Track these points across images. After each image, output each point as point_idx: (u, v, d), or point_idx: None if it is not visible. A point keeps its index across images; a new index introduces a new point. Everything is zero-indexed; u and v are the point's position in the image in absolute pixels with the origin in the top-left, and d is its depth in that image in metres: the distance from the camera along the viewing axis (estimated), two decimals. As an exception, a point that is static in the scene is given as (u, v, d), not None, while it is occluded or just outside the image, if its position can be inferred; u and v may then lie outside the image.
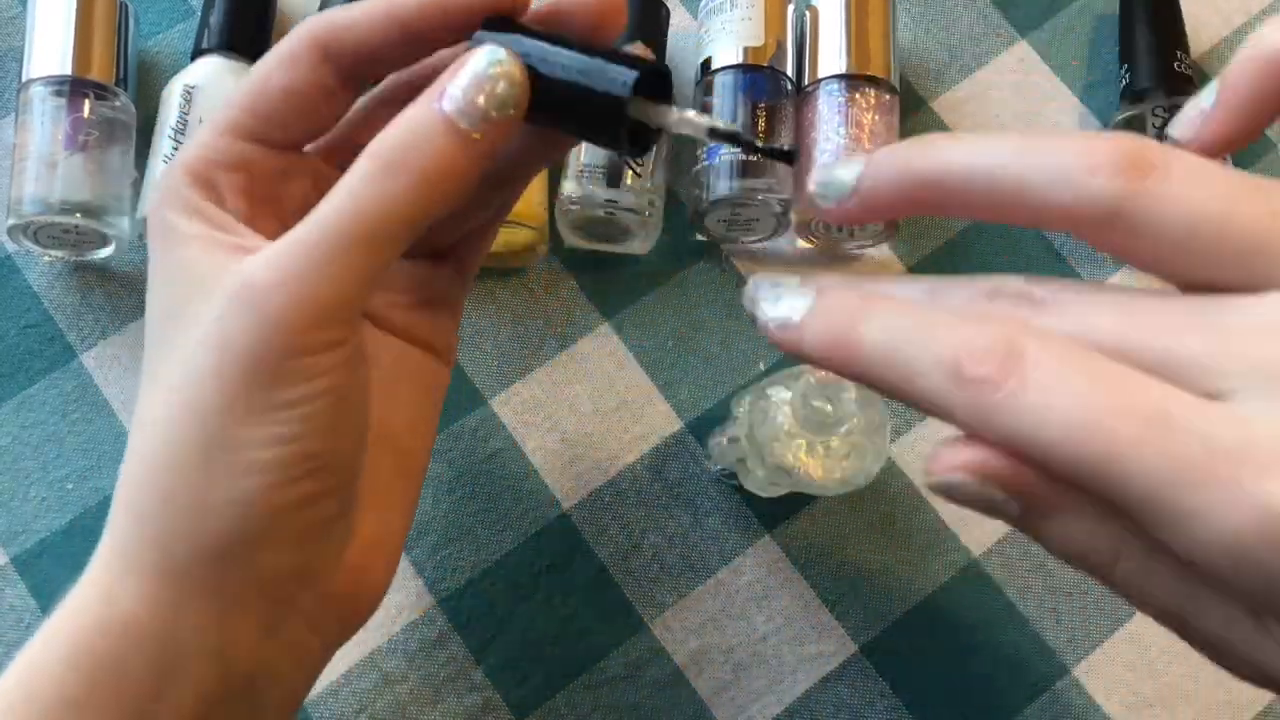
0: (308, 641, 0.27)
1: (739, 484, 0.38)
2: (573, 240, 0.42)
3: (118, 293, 0.42)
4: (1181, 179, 0.21)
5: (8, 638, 0.38)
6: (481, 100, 0.26)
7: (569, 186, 0.41)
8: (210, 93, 0.41)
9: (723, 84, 0.42)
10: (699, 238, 0.43)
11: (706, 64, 0.43)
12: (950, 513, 0.40)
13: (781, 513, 0.40)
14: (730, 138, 0.27)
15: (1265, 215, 0.21)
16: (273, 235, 0.27)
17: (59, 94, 0.40)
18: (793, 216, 0.42)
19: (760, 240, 0.43)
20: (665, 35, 0.44)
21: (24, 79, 0.41)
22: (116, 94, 0.41)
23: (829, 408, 0.35)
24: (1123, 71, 0.44)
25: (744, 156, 0.41)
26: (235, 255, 0.26)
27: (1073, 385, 0.20)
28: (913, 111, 0.45)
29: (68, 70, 0.40)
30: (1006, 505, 0.22)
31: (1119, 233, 0.21)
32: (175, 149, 0.40)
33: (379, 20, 0.27)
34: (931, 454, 0.22)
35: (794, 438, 0.35)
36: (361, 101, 0.30)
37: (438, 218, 0.26)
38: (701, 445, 0.41)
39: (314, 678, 0.29)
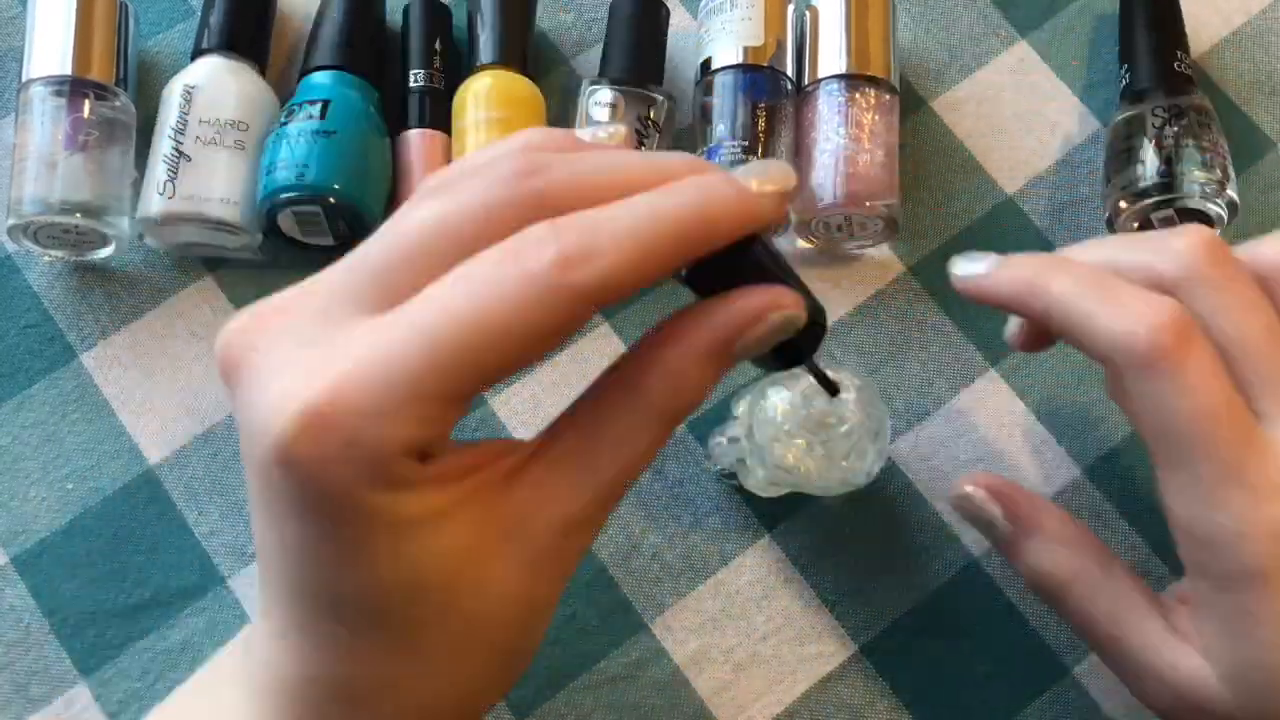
0: None
1: (739, 484, 0.39)
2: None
3: (118, 293, 0.42)
4: (1193, 369, 0.28)
5: (7, 638, 0.38)
6: (763, 349, 0.26)
7: (569, 186, 0.41)
8: (210, 93, 0.41)
9: (723, 84, 0.42)
10: (699, 238, 0.43)
11: (706, 64, 0.43)
12: (950, 513, 0.40)
13: (781, 513, 0.40)
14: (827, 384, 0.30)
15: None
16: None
17: (59, 94, 0.40)
18: (792, 216, 0.42)
19: (760, 240, 0.43)
20: (665, 35, 0.44)
21: (24, 79, 0.41)
22: (116, 94, 0.41)
23: (829, 408, 0.35)
24: (1123, 71, 0.44)
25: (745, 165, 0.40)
26: (490, 497, 0.25)
27: (1211, 383, 0.28)
28: (912, 111, 0.45)
29: (68, 70, 0.40)
30: (1000, 522, 0.33)
31: (1134, 383, 0.28)
32: (175, 149, 0.40)
33: (663, 270, 0.24)
34: (956, 482, 0.34)
35: (794, 438, 0.35)
36: None
37: None
38: (701, 445, 0.41)
39: None
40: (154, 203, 0.40)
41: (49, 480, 0.40)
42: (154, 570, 0.39)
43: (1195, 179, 0.40)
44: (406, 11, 0.44)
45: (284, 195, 0.40)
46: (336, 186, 0.39)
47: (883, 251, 0.43)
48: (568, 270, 0.22)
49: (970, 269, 0.32)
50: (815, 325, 0.27)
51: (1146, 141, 0.41)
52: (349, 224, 0.41)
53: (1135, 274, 0.30)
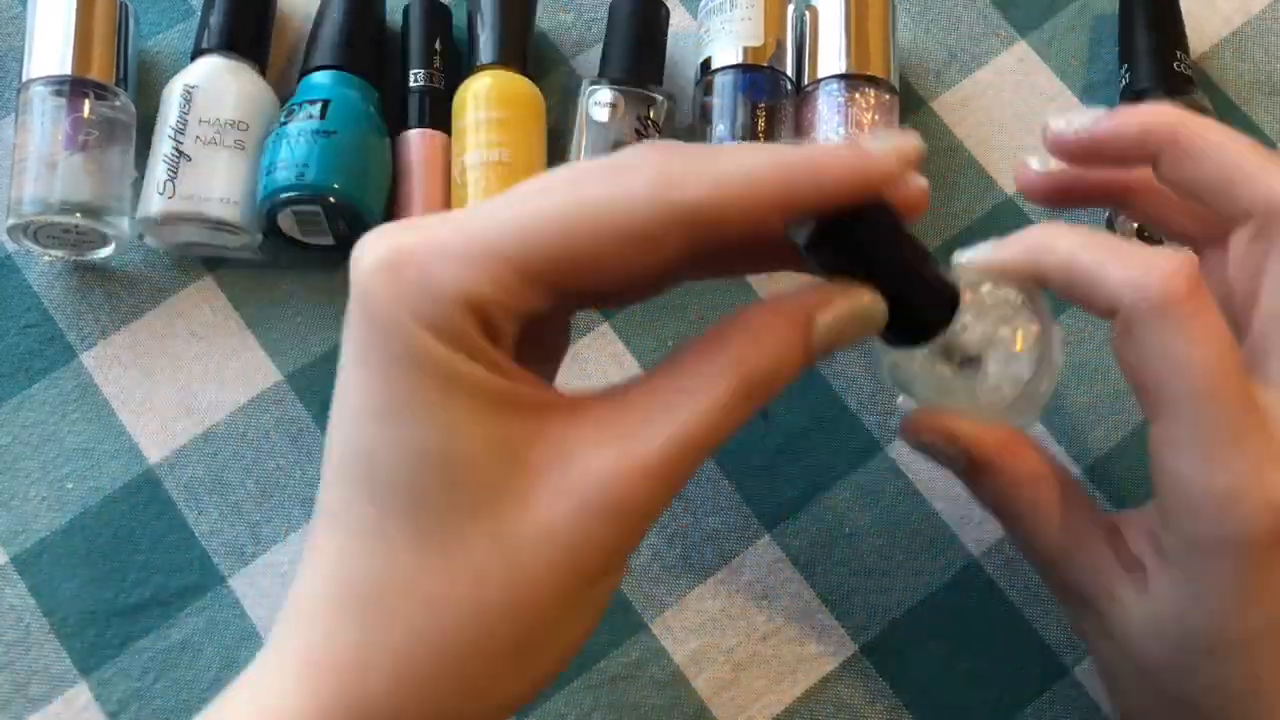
0: None
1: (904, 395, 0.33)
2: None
3: (118, 293, 0.42)
4: (1204, 320, 0.27)
5: (7, 637, 0.38)
6: (845, 342, 0.26)
7: (569, 186, 0.41)
8: (210, 92, 0.41)
9: (722, 84, 0.42)
10: (699, 238, 0.43)
11: (706, 64, 0.43)
12: (950, 513, 0.40)
13: (781, 513, 0.40)
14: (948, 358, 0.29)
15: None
16: (527, 361, 0.25)
17: (59, 94, 0.40)
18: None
19: (760, 240, 0.43)
20: (665, 35, 0.44)
21: (24, 79, 0.41)
22: (116, 94, 0.41)
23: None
24: (1123, 71, 0.44)
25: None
26: (543, 419, 0.24)
27: (1219, 335, 0.27)
28: (912, 111, 0.45)
29: (68, 70, 0.40)
30: (958, 459, 0.31)
31: (1145, 331, 0.27)
32: (175, 149, 0.40)
33: (763, 206, 0.24)
34: (910, 418, 0.31)
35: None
36: None
37: None
38: None
39: None
40: (154, 203, 0.40)
41: (49, 480, 0.40)
42: (154, 570, 0.39)
43: (1195, 179, 0.40)
44: (406, 11, 0.44)
45: (284, 195, 0.40)
46: (336, 186, 0.39)
47: (883, 251, 0.43)
48: (668, 187, 0.23)
49: (972, 254, 0.31)
50: (938, 309, 0.27)
51: (1146, 141, 0.41)
52: (349, 224, 0.41)
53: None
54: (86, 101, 0.41)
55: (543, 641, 0.24)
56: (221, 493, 0.40)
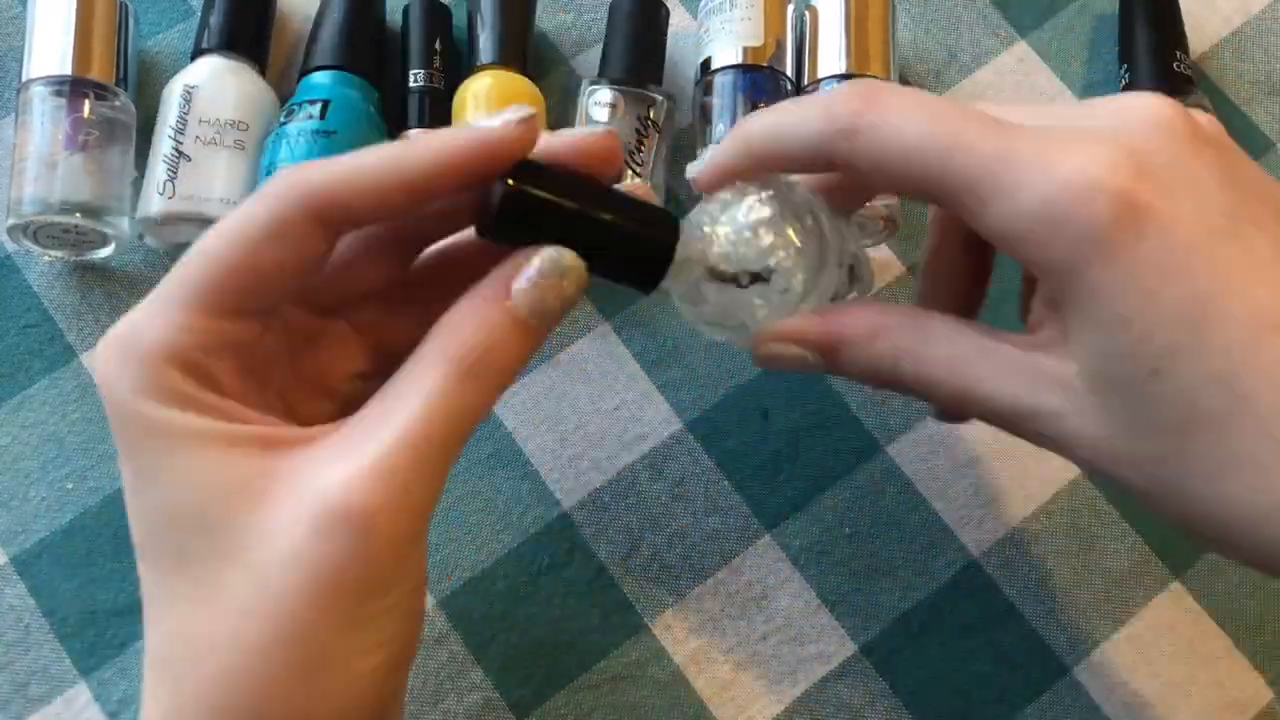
0: None
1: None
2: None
3: (117, 293, 0.42)
4: (899, 106, 0.27)
5: (7, 637, 0.38)
6: (550, 300, 0.26)
7: (569, 186, 0.41)
8: (210, 92, 0.41)
9: (722, 84, 0.42)
10: (699, 238, 0.43)
11: (706, 64, 0.43)
12: (950, 513, 0.40)
13: (781, 513, 0.40)
14: (732, 279, 0.29)
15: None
16: (261, 403, 0.26)
17: (59, 94, 0.40)
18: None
19: (760, 240, 0.43)
20: (665, 35, 0.44)
21: (24, 79, 0.41)
22: (116, 94, 0.41)
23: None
24: (1122, 71, 0.44)
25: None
26: (273, 453, 0.25)
27: (924, 106, 0.27)
28: (913, 111, 0.45)
29: (68, 70, 0.40)
30: (813, 359, 0.30)
31: (855, 148, 0.27)
32: (175, 149, 0.40)
33: (386, 184, 0.26)
34: (758, 338, 0.30)
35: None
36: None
37: None
38: (698, 440, 0.41)
39: None
40: (154, 203, 0.40)
41: (49, 480, 0.40)
42: (154, 570, 0.39)
43: (1195, 179, 0.40)
44: (406, 11, 0.44)
45: (284, 195, 0.40)
46: (336, 186, 0.39)
47: (883, 251, 0.43)
48: (281, 178, 0.25)
49: (694, 168, 0.31)
50: (661, 248, 0.28)
51: (1146, 141, 0.41)
52: (349, 224, 0.41)
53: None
54: (86, 101, 0.41)
55: (334, 657, 0.24)
56: (221, 493, 0.40)
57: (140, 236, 0.42)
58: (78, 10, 0.41)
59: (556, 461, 0.41)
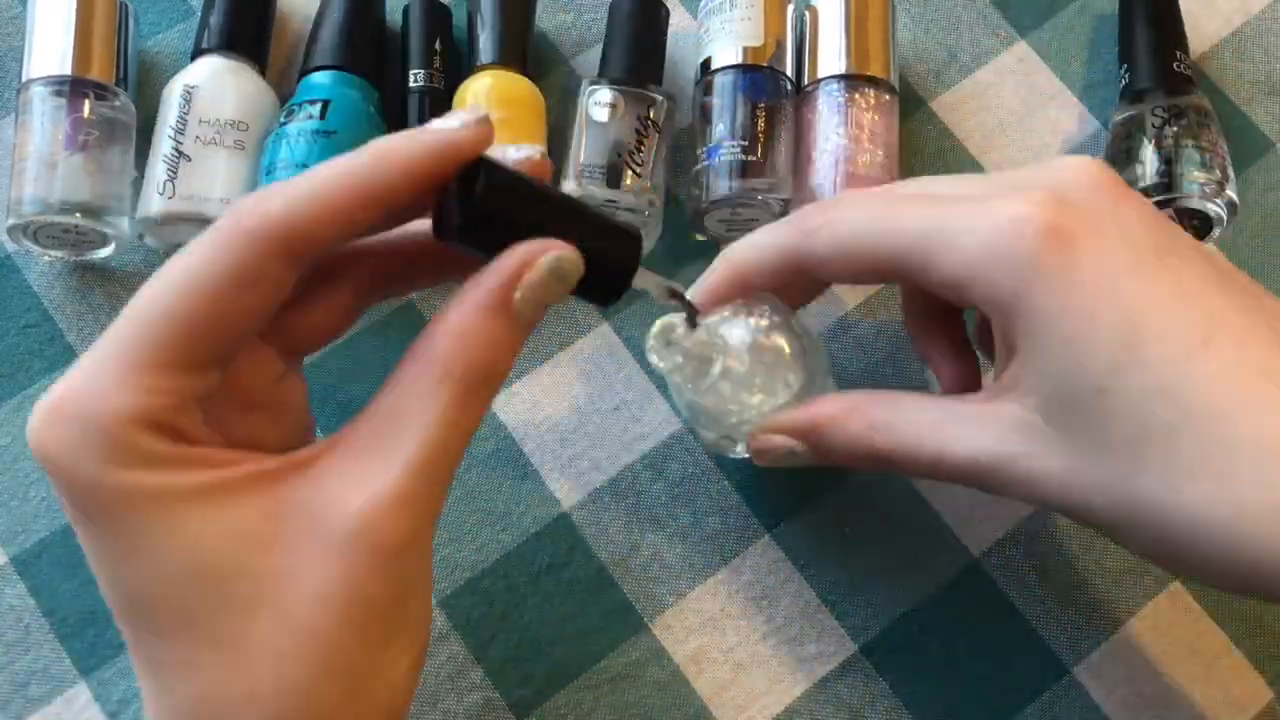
0: None
1: (733, 454, 0.38)
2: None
3: (117, 293, 0.42)
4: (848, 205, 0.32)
5: (7, 637, 0.38)
6: (550, 298, 0.26)
7: (569, 187, 0.41)
8: (210, 92, 0.41)
9: (722, 84, 0.42)
10: (699, 238, 0.43)
11: (706, 64, 0.43)
12: (950, 513, 0.40)
13: (781, 512, 0.40)
14: (683, 303, 0.32)
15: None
16: (216, 436, 0.25)
17: (59, 94, 0.40)
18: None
19: (760, 240, 0.43)
20: (665, 35, 0.44)
21: (24, 79, 0.41)
22: (116, 94, 0.41)
23: (702, 338, 0.33)
24: (1122, 71, 0.44)
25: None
26: (271, 491, 0.24)
27: (867, 202, 0.31)
28: (912, 111, 0.45)
29: (68, 70, 0.40)
30: (800, 448, 0.33)
31: (815, 245, 0.32)
32: (175, 149, 0.40)
33: (351, 205, 0.24)
34: (753, 432, 0.34)
35: (696, 379, 0.34)
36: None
37: None
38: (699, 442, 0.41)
39: None
40: (154, 203, 0.40)
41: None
42: (154, 570, 0.39)
43: (1194, 179, 0.40)
44: (406, 11, 0.44)
45: (284, 195, 0.40)
46: (336, 186, 0.39)
47: (883, 251, 0.43)
48: (241, 217, 0.24)
49: (691, 294, 0.34)
50: (622, 259, 0.28)
51: (1146, 141, 0.41)
52: (349, 224, 0.41)
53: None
54: (86, 101, 0.41)
55: (373, 674, 0.25)
56: (221, 493, 0.40)
57: (140, 236, 0.42)
58: (78, 10, 0.41)
59: (556, 461, 0.41)
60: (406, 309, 0.42)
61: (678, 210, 0.43)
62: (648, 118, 0.41)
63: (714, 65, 0.42)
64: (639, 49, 0.43)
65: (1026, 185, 0.29)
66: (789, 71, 0.43)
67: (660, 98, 0.42)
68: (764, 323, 0.34)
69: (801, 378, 0.34)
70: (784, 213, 0.41)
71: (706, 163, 0.41)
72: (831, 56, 0.42)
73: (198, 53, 0.42)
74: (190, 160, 0.40)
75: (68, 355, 0.41)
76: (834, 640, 0.39)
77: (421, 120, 0.42)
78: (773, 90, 0.42)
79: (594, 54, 0.45)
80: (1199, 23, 0.46)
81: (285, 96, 0.43)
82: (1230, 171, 0.41)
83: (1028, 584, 0.39)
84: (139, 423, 0.23)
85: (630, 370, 0.42)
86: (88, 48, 0.41)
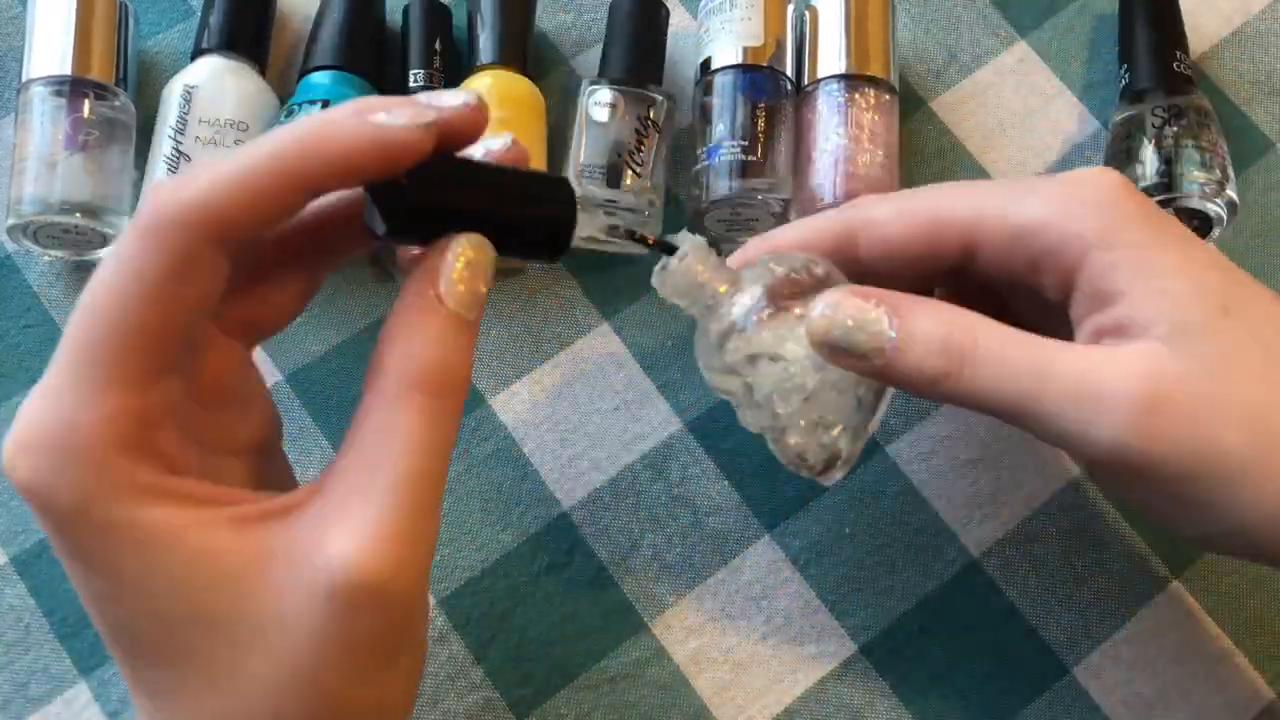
0: None
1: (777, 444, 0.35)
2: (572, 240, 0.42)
3: (118, 293, 0.42)
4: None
5: (7, 637, 0.38)
6: (482, 288, 0.25)
7: (569, 186, 0.41)
8: (210, 92, 0.41)
9: (722, 84, 0.42)
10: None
11: (706, 64, 0.43)
12: (950, 513, 0.40)
13: (781, 513, 0.40)
14: (628, 236, 0.31)
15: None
16: (196, 456, 0.24)
17: (59, 94, 0.40)
18: (792, 216, 0.42)
19: (760, 240, 0.43)
20: (665, 35, 0.44)
21: (24, 79, 0.41)
22: (116, 94, 0.41)
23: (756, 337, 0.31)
24: (1122, 71, 0.44)
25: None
26: (255, 533, 0.23)
27: (999, 374, 0.28)
28: (912, 111, 0.45)
29: (68, 70, 0.40)
30: (876, 316, 0.29)
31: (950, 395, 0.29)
32: (175, 149, 0.40)
33: (276, 191, 0.23)
34: (810, 318, 0.29)
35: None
36: None
37: None
38: (703, 447, 0.41)
39: None
40: (154, 203, 0.40)
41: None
42: (154, 570, 0.39)
43: (1194, 179, 0.40)
44: (406, 11, 0.44)
45: (284, 195, 0.40)
46: (336, 186, 0.39)
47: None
48: (159, 206, 0.22)
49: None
50: (559, 216, 0.28)
51: (1146, 141, 0.41)
52: (349, 224, 0.41)
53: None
54: (86, 101, 0.41)
55: (372, 700, 0.25)
56: (221, 493, 0.40)
57: (140, 236, 0.42)
58: (78, 10, 0.41)
59: (556, 461, 0.41)
60: (406, 309, 0.42)
61: (678, 210, 0.43)
62: (648, 118, 0.41)
63: (714, 65, 0.42)
64: (639, 49, 0.43)
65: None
66: (789, 71, 0.43)
67: (660, 98, 0.42)
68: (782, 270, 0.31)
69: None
70: (784, 213, 0.41)
71: (706, 163, 0.41)
72: (831, 56, 0.42)
73: (198, 53, 0.42)
74: (190, 160, 0.40)
75: (68, 355, 0.41)
76: (834, 640, 0.39)
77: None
78: (773, 90, 0.42)
79: (594, 54, 0.45)
80: (1199, 23, 0.46)
81: (285, 96, 0.43)
82: (1230, 171, 0.41)
83: (1028, 584, 0.39)
84: (115, 447, 0.22)
85: (630, 370, 0.42)
86: (88, 48, 0.41)
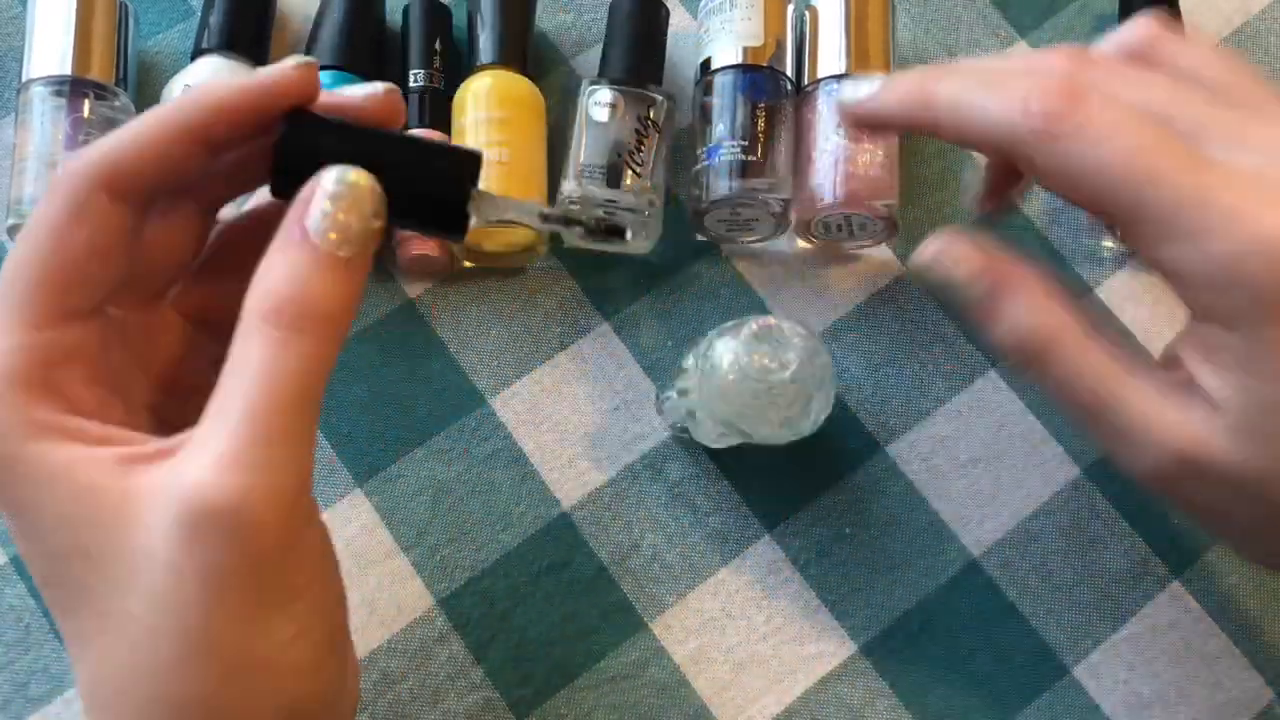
0: None
1: (690, 437, 0.39)
2: (573, 240, 0.42)
3: (118, 293, 0.42)
4: (1101, 120, 0.26)
5: (7, 637, 0.38)
6: (354, 222, 0.25)
7: (569, 186, 0.41)
8: (210, 93, 0.41)
9: (722, 84, 0.42)
10: (699, 238, 0.43)
11: (706, 64, 0.43)
12: (950, 513, 0.40)
13: (781, 513, 0.40)
14: (561, 221, 0.29)
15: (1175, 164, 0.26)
16: (125, 419, 0.25)
17: (59, 94, 0.40)
18: (792, 216, 0.42)
19: (760, 240, 0.43)
20: (665, 35, 0.44)
21: (24, 79, 0.41)
22: (116, 94, 0.41)
23: (772, 352, 0.35)
24: (1122, 71, 0.44)
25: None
26: (132, 468, 0.24)
27: (1127, 125, 0.26)
28: (913, 111, 0.45)
29: (68, 70, 0.40)
30: (976, 284, 0.29)
31: (1051, 153, 0.27)
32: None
33: (167, 139, 0.25)
34: (921, 248, 0.30)
35: (740, 384, 0.35)
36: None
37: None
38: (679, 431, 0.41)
39: None
40: (154, 203, 0.40)
41: None
42: (154, 570, 0.39)
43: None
44: (406, 11, 0.44)
45: (284, 195, 0.40)
46: (336, 186, 0.39)
47: (882, 251, 0.43)
48: (75, 164, 0.25)
49: (857, 92, 0.31)
50: (457, 179, 0.27)
51: (1146, 141, 0.41)
52: (349, 224, 0.41)
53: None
54: (86, 101, 0.41)
55: (253, 656, 0.24)
56: (221, 493, 0.40)
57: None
58: (78, 10, 0.41)
59: (556, 461, 0.41)
60: (406, 309, 0.42)
61: (678, 210, 0.43)
62: (648, 118, 0.41)
63: (714, 65, 0.42)
64: (639, 49, 0.43)
65: None
66: (789, 71, 0.43)
67: (660, 98, 0.42)
68: (801, 343, 0.35)
69: (821, 395, 0.36)
70: (784, 213, 0.41)
71: (706, 163, 0.41)
72: (831, 56, 0.42)
73: (198, 53, 0.42)
74: (190, 160, 0.40)
75: (68, 355, 0.41)
76: (834, 640, 0.39)
77: (421, 121, 0.42)
78: (773, 90, 0.42)
79: (594, 54, 0.45)
80: (1199, 23, 0.46)
81: (285, 96, 0.43)
82: (1230, 171, 0.41)
83: (1028, 584, 0.39)
84: (15, 383, 0.24)
85: (630, 370, 0.42)
86: (88, 48, 0.41)
